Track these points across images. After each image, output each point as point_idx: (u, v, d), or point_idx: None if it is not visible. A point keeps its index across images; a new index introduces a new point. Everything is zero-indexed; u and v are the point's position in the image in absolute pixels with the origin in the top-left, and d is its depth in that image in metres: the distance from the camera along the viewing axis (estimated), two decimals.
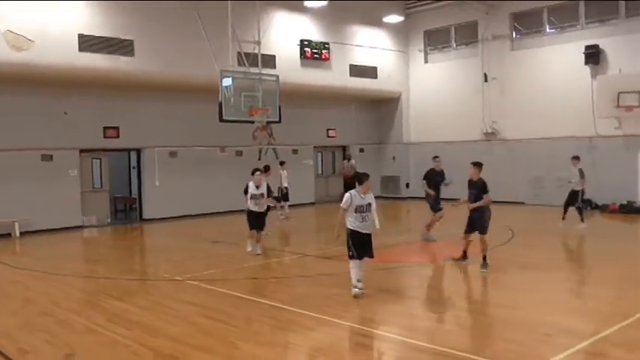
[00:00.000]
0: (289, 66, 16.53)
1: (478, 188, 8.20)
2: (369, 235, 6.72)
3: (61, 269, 9.17)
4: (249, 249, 9.73)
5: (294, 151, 18.20)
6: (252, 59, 13.39)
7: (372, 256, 6.82)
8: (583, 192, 12.14)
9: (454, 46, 19.46)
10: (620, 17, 15.58)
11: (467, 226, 8.36)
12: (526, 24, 17.61)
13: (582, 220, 12.03)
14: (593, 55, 15.48)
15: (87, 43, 13.18)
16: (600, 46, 15.51)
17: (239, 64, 13.36)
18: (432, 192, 10.61)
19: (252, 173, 9.74)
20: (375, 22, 19.19)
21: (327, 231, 12.34)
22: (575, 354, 4.84)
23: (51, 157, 13.85)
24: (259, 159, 13.01)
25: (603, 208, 14.88)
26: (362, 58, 18.92)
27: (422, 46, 20.09)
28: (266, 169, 12.09)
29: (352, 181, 15.03)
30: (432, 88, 19.66)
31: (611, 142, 15.25)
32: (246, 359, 5.06)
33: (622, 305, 6.39)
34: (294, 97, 16.35)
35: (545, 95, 16.67)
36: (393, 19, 19.34)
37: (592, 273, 8.71)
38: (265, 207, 10.01)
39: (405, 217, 16.96)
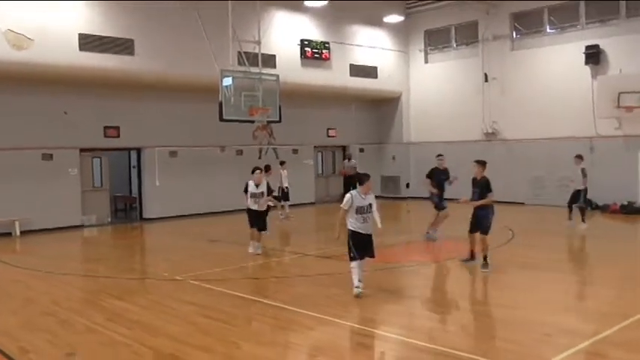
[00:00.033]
0: (289, 66, 16.53)
1: (481, 186, 8.13)
2: (369, 236, 6.71)
3: (62, 268, 9.18)
4: (250, 250, 9.69)
5: (295, 151, 18.20)
6: (252, 59, 13.39)
7: (373, 256, 6.81)
8: (586, 191, 12.04)
9: (454, 46, 19.46)
10: (620, 17, 15.58)
11: (471, 226, 8.29)
12: (526, 24, 17.61)
13: (583, 220, 11.99)
14: (594, 56, 15.48)
15: (87, 42, 13.18)
16: (601, 47, 15.51)
17: (239, 63, 13.36)
18: (435, 190, 10.59)
19: (252, 172, 9.73)
20: (376, 21, 19.19)
21: (327, 231, 12.36)
22: (575, 354, 4.85)
23: (51, 156, 13.86)
24: (259, 158, 13.03)
25: (604, 209, 14.88)
26: (362, 58, 18.92)
27: (422, 46, 20.09)
28: (267, 168, 12.10)
29: (352, 179, 15.14)
30: (432, 88, 19.66)
31: (611, 143, 15.25)
32: (246, 359, 5.07)
33: (622, 305, 6.39)
34: (295, 97, 16.35)
35: (546, 95, 16.67)
36: (394, 18, 19.34)
37: (592, 273, 8.72)
38: (265, 206, 9.99)
39: (405, 217, 16.96)
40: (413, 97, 20.39)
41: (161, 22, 14.25)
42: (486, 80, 17.98)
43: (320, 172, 20.07)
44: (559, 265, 8.65)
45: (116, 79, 13.90)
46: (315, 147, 19.42)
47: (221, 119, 12.56)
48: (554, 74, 16.55)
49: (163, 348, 5.22)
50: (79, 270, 9.64)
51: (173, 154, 15.92)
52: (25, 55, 12.21)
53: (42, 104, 13.65)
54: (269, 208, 10.62)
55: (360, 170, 15.91)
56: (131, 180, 17.17)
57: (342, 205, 6.71)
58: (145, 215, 15.66)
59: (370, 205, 6.67)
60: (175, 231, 13.70)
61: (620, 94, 14.57)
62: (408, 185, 20.30)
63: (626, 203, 14.63)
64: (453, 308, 6.75)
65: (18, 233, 13.01)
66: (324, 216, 15.99)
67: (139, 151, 15.70)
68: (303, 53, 17.26)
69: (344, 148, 20.29)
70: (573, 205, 12.17)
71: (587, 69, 15.74)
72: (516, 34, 17.81)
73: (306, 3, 16.88)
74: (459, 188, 10.04)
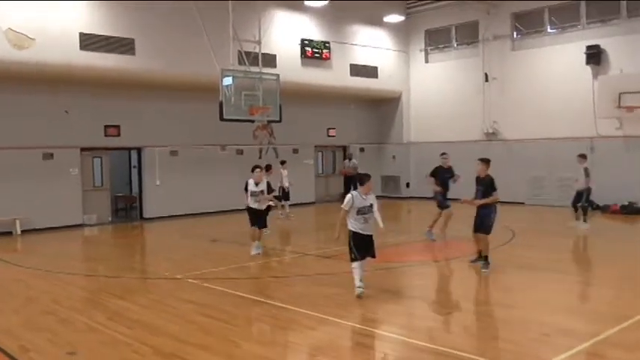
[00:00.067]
0: (290, 65, 16.54)
1: (485, 185, 8.02)
2: (370, 237, 6.70)
3: (62, 267, 9.19)
4: (253, 252, 9.59)
5: (295, 151, 18.21)
6: (252, 58, 13.41)
7: (374, 256, 6.81)
8: (589, 191, 11.88)
9: (455, 45, 19.46)
10: (621, 17, 15.58)
11: (475, 225, 8.18)
12: (527, 24, 17.61)
13: (585, 220, 11.90)
14: (595, 56, 15.47)
15: (88, 41, 13.20)
16: (601, 47, 15.51)
17: (240, 63, 13.38)
18: (439, 189, 10.56)
19: (252, 170, 9.70)
20: (376, 21, 19.19)
21: (327, 230, 12.38)
22: (575, 355, 4.85)
23: (52, 155, 13.88)
24: (260, 158, 13.03)
25: (604, 209, 14.88)
26: (362, 58, 18.93)
27: (423, 46, 20.09)
28: (267, 168, 12.11)
29: (353, 179, 15.14)
30: (432, 87, 19.67)
31: (612, 143, 15.25)
32: (246, 358, 5.08)
33: (621, 306, 6.40)
34: (295, 97, 16.35)
35: (546, 95, 16.67)
36: (394, 18, 19.34)
37: (592, 273, 8.73)
38: (265, 205, 9.98)
39: (406, 216, 16.98)
40: (413, 97, 20.39)
41: (162, 21, 14.27)
42: (487, 80, 17.99)
43: (320, 171, 20.08)
44: (558, 265, 8.66)
45: (117, 79, 13.92)
46: (315, 147, 19.43)
47: (221, 119, 12.57)
48: (555, 74, 16.55)
49: (164, 347, 5.24)
50: (79, 269, 9.66)
51: (173, 153, 15.93)
52: (26, 55, 12.23)
53: (43, 103, 13.67)
54: (269, 207, 10.62)
55: (360, 170, 15.94)
56: (132, 179, 17.17)
57: (342, 206, 6.69)
58: (146, 215, 15.68)
59: (371, 205, 6.65)
60: (176, 230, 13.71)
61: (620, 94, 14.58)
62: (408, 185, 20.34)
63: (626, 204, 14.64)
64: (453, 308, 6.75)
65: (19, 232, 13.04)
66: (324, 216, 16.00)
67: (139, 150, 15.72)
68: (303, 53, 17.27)
69: (344, 148, 20.30)
70: (577, 205, 12.03)
71: (588, 69, 15.74)
72: (517, 34, 17.81)
73: (306, 3, 16.88)
74: (462, 188, 10.04)
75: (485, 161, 8.22)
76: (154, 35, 14.14)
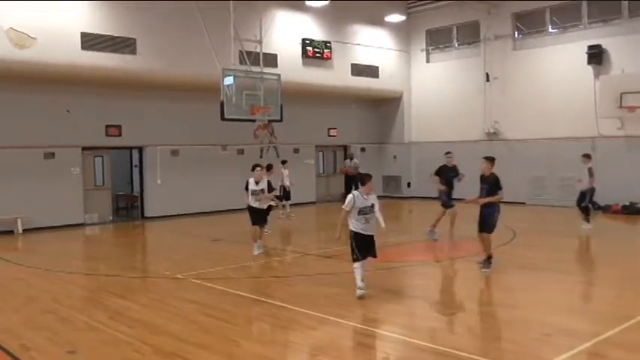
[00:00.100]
0: (291, 65, 16.54)
1: (490, 183, 7.91)
2: (371, 237, 6.67)
3: (63, 266, 9.20)
4: (255, 252, 9.54)
5: (296, 150, 18.21)
6: (253, 58, 13.41)
7: (375, 256, 6.79)
8: (592, 191, 11.77)
9: (456, 45, 19.44)
10: (623, 17, 15.55)
11: (479, 225, 8.06)
12: (528, 24, 17.59)
13: (588, 220, 11.81)
14: (596, 55, 15.45)
15: (89, 41, 13.21)
16: (603, 46, 15.49)
17: (241, 62, 13.38)
18: (443, 188, 10.52)
19: (253, 169, 9.66)
20: (377, 21, 19.18)
21: (327, 230, 12.37)
22: (576, 355, 4.85)
23: (53, 154, 13.90)
24: (261, 157, 13.02)
25: (606, 209, 14.85)
26: (364, 58, 18.92)
27: (424, 46, 20.08)
28: (268, 167, 12.10)
29: (354, 179, 15.13)
30: (433, 87, 19.65)
31: (613, 143, 15.23)
32: (246, 357, 5.08)
33: (623, 306, 6.38)
34: (296, 96, 16.35)
35: (548, 95, 16.65)
36: (395, 18, 19.33)
37: (593, 274, 8.71)
38: (267, 204, 9.95)
39: (407, 216, 16.97)
40: (414, 96, 20.38)
41: (163, 21, 14.27)
42: (488, 80, 17.97)
43: (321, 171, 20.07)
44: (560, 265, 8.64)
45: (118, 78, 13.93)
46: (316, 146, 19.42)
47: (222, 118, 12.58)
48: (556, 74, 16.53)
49: (164, 346, 5.24)
50: (80, 268, 9.66)
51: (175, 152, 15.95)
52: (28, 54, 12.24)
53: (44, 103, 13.69)
54: (270, 207, 10.60)
55: (361, 170, 15.93)
56: (133, 178, 17.20)
57: (343, 207, 6.66)
58: (147, 214, 15.69)
59: (372, 205, 6.63)
60: (177, 230, 13.72)
61: (622, 94, 14.55)
62: (409, 185, 20.33)
63: (627, 204, 14.61)
64: (454, 308, 6.75)
65: (20, 231, 13.05)
66: (325, 215, 16.00)
67: (140, 149, 15.73)
68: (304, 52, 17.26)
69: (345, 148, 20.30)
70: (583, 205, 11.90)
71: (590, 69, 15.71)
72: (518, 34, 17.79)
73: (307, 2, 16.88)
74: (465, 187, 10.04)
75: (490, 159, 8.12)
76: (156, 35, 14.14)
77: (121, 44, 13.70)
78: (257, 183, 9.55)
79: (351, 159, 18.42)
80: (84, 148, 14.50)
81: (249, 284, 7.92)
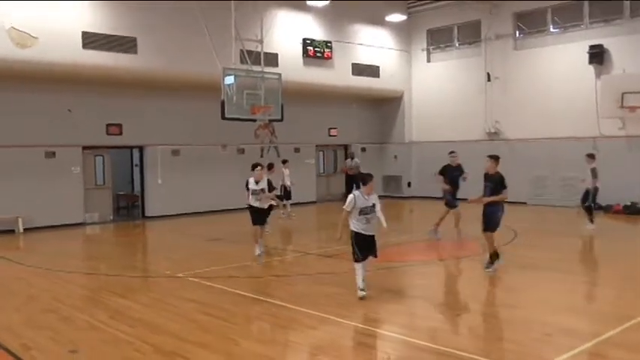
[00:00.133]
0: (292, 64, 16.53)
1: (495, 182, 7.84)
2: (372, 237, 6.65)
3: (64, 266, 9.21)
4: (256, 252, 9.41)
5: (296, 150, 18.20)
6: (254, 57, 13.41)
7: (375, 256, 6.77)
8: (596, 191, 11.66)
9: (457, 45, 19.42)
10: (624, 17, 15.53)
11: (482, 224, 7.98)
12: (529, 23, 17.57)
13: (591, 220, 11.74)
14: (597, 55, 15.43)
15: (90, 40, 13.21)
16: (604, 46, 15.47)
17: (242, 62, 13.38)
18: (448, 187, 10.46)
19: (253, 169, 9.52)
20: (378, 21, 19.17)
21: (328, 229, 12.38)
22: (577, 355, 4.84)
23: (54, 154, 13.91)
24: (261, 157, 13.01)
25: (607, 209, 14.82)
26: (364, 57, 18.91)
27: (424, 45, 20.06)
28: (269, 167, 12.09)
29: (355, 179, 15.11)
30: (434, 87, 19.64)
31: (614, 143, 15.20)
32: (245, 356, 5.08)
33: (623, 306, 6.38)
34: (297, 96, 16.34)
35: (549, 95, 16.63)
36: (396, 18, 19.32)
37: (594, 273, 8.71)
38: (267, 204, 9.88)
39: (408, 216, 16.97)
40: (415, 96, 20.37)
41: (164, 20, 14.27)
42: (489, 80, 17.95)
43: (321, 171, 20.07)
44: (561, 265, 8.63)
45: (119, 78, 13.93)
46: (316, 146, 19.42)
47: (223, 117, 12.58)
48: (558, 74, 16.51)
49: (165, 345, 5.24)
50: (81, 267, 9.66)
51: (175, 152, 15.95)
52: (29, 54, 12.25)
53: (45, 102, 13.69)
54: (271, 206, 10.56)
55: (361, 169, 15.93)
56: (133, 178, 17.21)
57: (344, 207, 6.62)
58: (147, 213, 15.70)
59: (373, 205, 6.59)
60: (177, 229, 13.73)
61: (623, 94, 14.53)
62: (409, 184, 20.32)
63: (629, 204, 14.60)
64: (454, 308, 6.74)
65: (21, 230, 13.06)
66: (326, 215, 16.00)
67: (141, 149, 15.73)
68: (305, 52, 17.26)
69: (346, 148, 20.29)
70: (586, 205, 11.83)
71: (591, 69, 15.69)
72: (519, 34, 17.77)
73: (308, 2, 16.86)
74: (467, 187, 10.02)
75: (495, 158, 8.05)
76: (156, 34, 14.14)
77: (122, 43, 13.70)
78: (257, 182, 9.44)
79: (352, 158, 18.42)
80: (84, 148, 14.51)
81: (249, 283, 7.92)
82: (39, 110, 13.56)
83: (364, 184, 6.69)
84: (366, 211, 6.54)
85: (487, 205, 7.90)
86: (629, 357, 4.90)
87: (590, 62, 15.58)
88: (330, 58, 17.86)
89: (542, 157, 16.61)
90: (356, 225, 6.57)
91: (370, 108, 20.62)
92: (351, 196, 6.65)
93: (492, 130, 17.97)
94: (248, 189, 9.50)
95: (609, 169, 14.59)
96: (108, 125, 14.76)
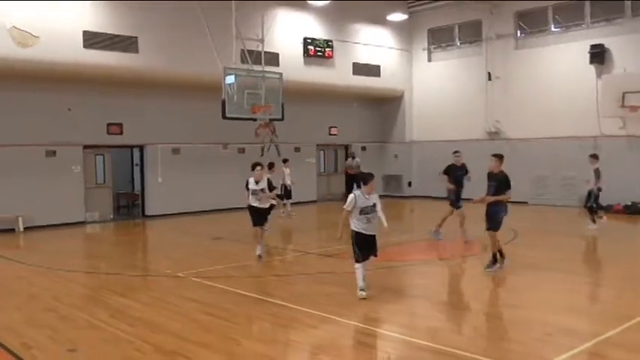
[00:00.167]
0: (292, 64, 16.53)
1: (499, 181, 7.79)
2: (373, 237, 6.63)
3: (64, 265, 9.21)
4: (257, 253, 9.29)
5: (297, 149, 18.20)
6: (255, 57, 13.41)
7: (375, 255, 6.75)
8: (598, 192, 11.63)
9: (458, 44, 19.40)
10: (625, 17, 15.51)
11: (486, 224, 7.93)
12: (531, 23, 17.55)
13: (593, 220, 11.70)
14: (598, 55, 15.41)
15: (91, 39, 13.21)
16: (605, 46, 15.45)
17: (242, 61, 13.38)
18: (452, 187, 10.42)
19: (252, 169, 9.34)
20: (379, 20, 19.16)
21: (328, 229, 12.38)
22: (577, 355, 4.84)
23: (54, 153, 13.91)
24: (262, 156, 13.00)
25: (607, 209, 14.76)
26: (365, 57, 18.90)
27: (425, 45, 20.04)
28: (270, 166, 12.06)
29: (355, 178, 15.09)
30: (435, 86, 19.62)
31: (615, 142, 15.18)
32: (246, 356, 5.07)
33: (624, 306, 6.37)
34: (297, 95, 16.33)
35: (550, 94, 16.61)
36: (397, 17, 19.30)
37: (594, 273, 8.70)
38: (268, 204, 9.81)
39: (408, 215, 16.96)
40: (416, 95, 20.35)
41: (165, 19, 14.27)
42: (490, 79, 17.93)
43: (322, 170, 20.07)
44: (561, 265, 8.62)
45: (120, 77, 13.93)
46: (317, 145, 19.42)
47: (224, 117, 12.58)
48: (559, 73, 16.50)
49: (165, 345, 5.24)
50: (81, 266, 9.66)
51: (176, 151, 15.95)
52: (30, 53, 12.25)
53: (46, 101, 13.70)
54: (272, 206, 10.53)
55: (362, 169, 15.92)
56: (134, 177, 17.21)
57: (345, 207, 6.59)
58: (148, 212, 15.70)
59: (374, 205, 6.56)
60: (177, 228, 13.73)
61: (624, 93, 14.51)
62: (410, 184, 20.31)
63: (629, 203, 14.58)
64: (454, 307, 6.74)
65: (21, 229, 13.07)
66: (326, 214, 16.00)
67: (141, 148, 15.74)
68: (306, 51, 17.25)
69: (346, 147, 20.28)
70: (588, 205, 11.80)
71: (592, 68, 15.67)
72: (520, 33, 17.75)
73: (309, 1, 16.85)
74: (472, 186, 10.00)
75: (499, 157, 7.99)
76: (157, 33, 14.14)
77: (123, 43, 13.70)
78: (257, 182, 9.29)
79: (353, 158, 18.41)
80: (85, 147, 14.51)
81: (250, 283, 7.92)
82: (40, 109, 13.56)
83: (365, 183, 6.66)
84: (367, 211, 6.52)
85: (490, 205, 7.85)
86: (628, 357, 4.89)
87: (591, 62, 15.57)
88: (330, 57, 17.84)
89: (543, 157, 16.60)
90: (357, 225, 6.55)
91: (371, 107, 20.61)
92: (351, 195, 6.62)
93: (493, 130, 17.96)
94: (248, 189, 9.38)
95: (610, 169, 14.54)
96: (108, 124, 14.76)
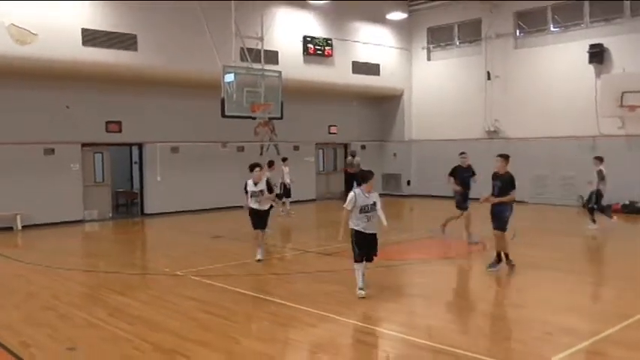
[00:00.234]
0: (292, 62, 16.51)
1: (504, 181, 7.79)
2: (373, 235, 6.60)
3: (63, 263, 9.19)
4: (257, 257, 9.08)
5: (296, 148, 18.19)
6: (254, 55, 13.39)
7: (375, 255, 6.72)
8: (600, 193, 11.62)
9: (457, 43, 19.40)
10: (624, 16, 15.52)
11: (492, 223, 7.91)
12: (530, 22, 17.55)
13: (594, 220, 11.71)
14: (597, 54, 15.42)
15: (90, 37, 13.17)
16: (604, 45, 15.46)
17: (242, 59, 13.36)
18: (458, 188, 10.38)
19: (251, 170, 9.08)
20: (379, 19, 19.14)
21: (327, 228, 12.38)
22: (576, 353, 4.85)
23: (53, 151, 13.88)
24: (261, 155, 13.00)
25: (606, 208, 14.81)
26: (365, 55, 18.88)
27: (425, 44, 20.04)
28: (270, 164, 12.03)
29: (355, 177, 15.08)
30: (434, 85, 19.62)
31: (614, 142, 15.20)
32: (245, 354, 5.07)
33: (623, 305, 6.38)
34: (297, 94, 16.32)
35: (549, 94, 16.62)
36: (397, 16, 19.30)
37: (594, 272, 8.71)
38: (268, 205, 9.64)
39: (408, 214, 16.96)
40: (415, 94, 20.35)
41: (164, 17, 14.23)
42: (489, 78, 17.94)
43: (321, 169, 20.06)
44: (561, 264, 8.63)
45: (119, 75, 13.90)
46: (316, 144, 19.41)
47: (223, 115, 12.56)
48: (558, 73, 16.50)
49: (164, 343, 5.23)
50: (80, 265, 9.64)
51: (175, 149, 15.93)
52: (29, 50, 12.21)
53: (44, 99, 13.66)
54: (271, 207, 10.44)
55: (361, 168, 15.90)
56: (132, 175, 17.18)
57: (345, 206, 6.55)
58: (146, 211, 15.68)
59: (374, 203, 6.54)
60: (176, 226, 13.72)
61: (623, 93, 14.53)
62: (409, 183, 20.32)
63: (627, 203, 14.60)
64: (453, 306, 6.74)
65: (19, 227, 13.04)
66: (325, 213, 16.00)
67: (140, 146, 15.71)
68: (305, 50, 17.23)
69: (345, 146, 20.28)
70: (589, 206, 11.83)
71: (591, 68, 15.68)
72: (520, 33, 17.75)
73: (309, 0, 16.82)
74: (476, 187, 10.00)
75: (505, 157, 7.96)
76: (157, 31, 14.11)
77: (122, 40, 13.67)
78: (256, 184, 9.02)
79: (354, 156, 18.40)
80: (84, 145, 14.49)
81: (249, 281, 7.91)
82: (38, 107, 13.53)
83: (364, 181, 6.63)
84: (367, 209, 6.50)
85: (495, 205, 7.87)
86: (628, 355, 4.90)
87: (590, 61, 15.58)
88: (330, 55, 17.83)
89: (543, 156, 16.61)
90: (356, 223, 6.52)
91: (370, 106, 20.61)
92: (351, 193, 6.58)
93: (492, 129, 17.97)
94: (247, 192, 9.10)
95: (608, 168, 14.54)
96: (107, 122, 14.73)
